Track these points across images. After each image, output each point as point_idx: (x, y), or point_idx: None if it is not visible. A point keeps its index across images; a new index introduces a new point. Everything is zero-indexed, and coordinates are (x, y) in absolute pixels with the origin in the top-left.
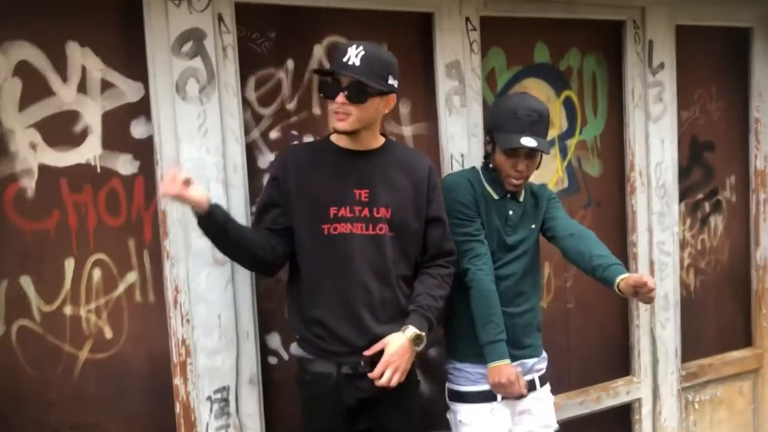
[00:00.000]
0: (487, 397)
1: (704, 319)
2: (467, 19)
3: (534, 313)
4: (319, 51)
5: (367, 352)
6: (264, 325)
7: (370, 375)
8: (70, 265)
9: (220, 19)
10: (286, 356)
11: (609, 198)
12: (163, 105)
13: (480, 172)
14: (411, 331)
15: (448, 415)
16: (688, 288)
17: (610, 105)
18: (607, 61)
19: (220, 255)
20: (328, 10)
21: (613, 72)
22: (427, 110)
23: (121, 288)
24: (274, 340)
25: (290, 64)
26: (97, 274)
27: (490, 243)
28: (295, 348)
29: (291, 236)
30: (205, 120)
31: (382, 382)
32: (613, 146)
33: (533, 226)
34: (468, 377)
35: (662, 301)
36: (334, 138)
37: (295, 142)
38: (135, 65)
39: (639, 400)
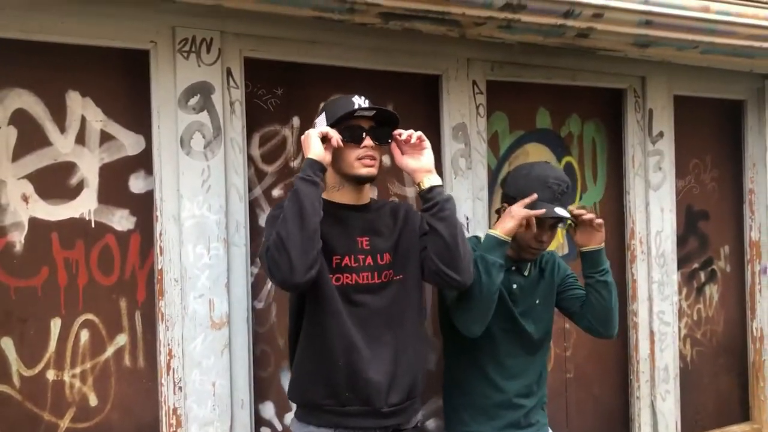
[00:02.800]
0: None
1: (702, 391)
2: (474, 83)
3: (540, 388)
4: None
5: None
6: (258, 394)
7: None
8: (56, 325)
9: (229, 73)
10: (280, 427)
11: (609, 265)
12: (166, 159)
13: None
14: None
15: None
16: (685, 359)
17: (609, 172)
18: (606, 128)
19: (218, 318)
20: (336, 68)
21: (612, 139)
22: None
23: (110, 351)
24: (268, 410)
25: (296, 121)
26: (84, 335)
27: (495, 315)
28: (296, 427)
29: None
30: (210, 176)
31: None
32: (613, 213)
33: (537, 301)
34: None
35: (662, 372)
36: (324, 196)
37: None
38: (137, 117)
39: None
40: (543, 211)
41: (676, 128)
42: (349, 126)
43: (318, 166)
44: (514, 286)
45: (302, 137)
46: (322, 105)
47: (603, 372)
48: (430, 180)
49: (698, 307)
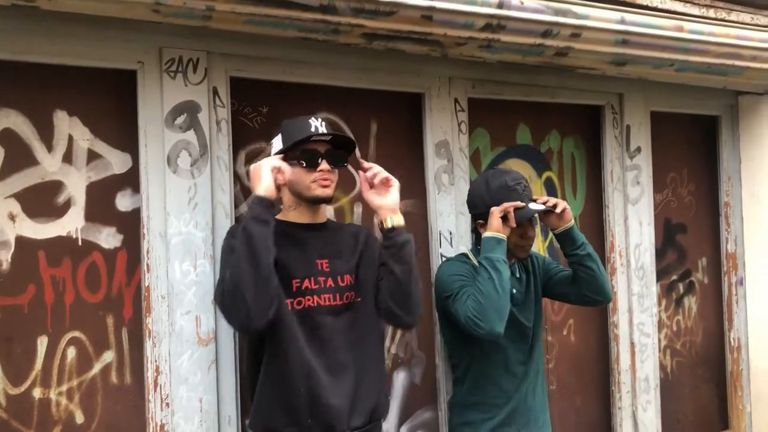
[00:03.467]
0: None
1: (682, 401)
2: (456, 101)
3: (544, 390)
4: None
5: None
6: (245, 410)
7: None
8: (42, 343)
9: (215, 92)
10: None
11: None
12: (153, 177)
13: (471, 256)
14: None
15: None
16: (665, 369)
17: (588, 186)
18: (585, 144)
19: (204, 334)
20: (320, 87)
21: (590, 154)
22: (414, 187)
23: (97, 368)
24: None
25: None
26: (71, 353)
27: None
28: None
29: None
30: (196, 194)
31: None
32: (593, 227)
33: (531, 297)
34: None
35: (643, 383)
36: (279, 217)
37: (235, 225)
38: (124, 136)
39: None
40: (521, 204)
41: (654, 143)
42: (305, 150)
43: (267, 203)
44: (514, 291)
45: (251, 167)
46: (278, 128)
47: (585, 383)
48: (393, 220)
49: (677, 318)
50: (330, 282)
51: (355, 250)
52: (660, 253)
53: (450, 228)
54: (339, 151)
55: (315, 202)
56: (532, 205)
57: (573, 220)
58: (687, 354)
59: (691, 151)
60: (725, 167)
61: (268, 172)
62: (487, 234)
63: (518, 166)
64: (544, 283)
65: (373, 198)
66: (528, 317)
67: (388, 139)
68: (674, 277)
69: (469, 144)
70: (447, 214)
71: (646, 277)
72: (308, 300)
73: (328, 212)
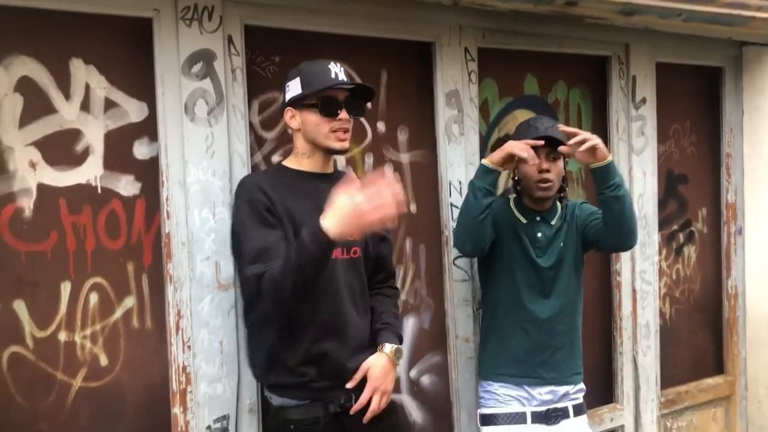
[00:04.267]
0: (516, 419)
1: (679, 346)
2: (466, 50)
3: (572, 338)
4: None
5: (349, 384)
6: None
7: (355, 407)
8: (66, 288)
9: (230, 41)
10: None
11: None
12: (171, 126)
13: (511, 201)
14: (389, 347)
15: None
16: (664, 316)
17: None
18: (591, 95)
19: (224, 280)
20: (331, 36)
21: (596, 105)
22: (424, 138)
23: (119, 313)
24: None
25: None
26: (93, 298)
27: (519, 268)
28: (275, 399)
29: None
30: (213, 142)
31: (373, 407)
32: None
33: (562, 245)
34: (497, 398)
35: (644, 329)
36: (290, 164)
37: (247, 174)
38: (140, 85)
39: (622, 427)
40: (526, 144)
41: (658, 95)
42: (324, 97)
43: (329, 247)
44: (539, 234)
45: (344, 207)
46: (295, 69)
47: (588, 329)
48: (387, 350)
49: (677, 267)
50: None
51: None
52: (661, 203)
53: (460, 178)
54: (358, 101)
55: (330, 153)
56: (543, 133)
57: (609, 158)
58: (685, 301)
59: (694, 103)
60: (728, 119)
61: (361, 217)
62: (482, 162)
63: (525, 117)
64: (582, 232)
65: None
66: (546, 261)
67: (398, 89)
68: (675, 227)
69: (478, 94)
70: (457, 164)
71: (649, 227)
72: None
73: (339, 162)
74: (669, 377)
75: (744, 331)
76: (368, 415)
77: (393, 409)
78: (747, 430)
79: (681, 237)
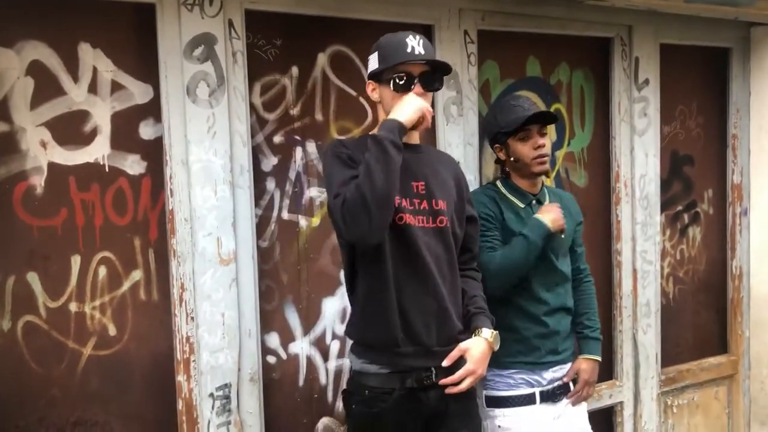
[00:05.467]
0: (528, 400)
1: (682, 326)
2: (465, 32)
3: (568, 320)
4: (322, 59)
5: (446, 362)
6: (263, 325)
7: (447, 380)
8: (76, 262)
9: (231, 25)
10: (284, 355)
11: (595, 208)
12: (174, 107)
13: (500, 185)
14: (488, 332)
15: (484, 423)
16: (667, 296)
17: (596, 119)
18: (594, 77)
19: (225, 255)
20: (333, 19)
21: (599, 87)
22: None
23: (126, 286)
24: (273, 340)
25: (294, 70)
26: (102, 271)
27: None
28: (353, 360)
29: None
30: (214, 123)
31: (461, 387)
32: (599, 158)
33: (562, 236)
34: (509, 382)
35: (644, 308)
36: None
37: (338, 138)
38: (145, 68)
39: (621, 403)
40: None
41: (663, 76)
42: (399, 71)
43: (405, 133)
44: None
45: (407, 96)
46: (376, 43)
47: None
48: (485, 335)
49: (681, 247)
50: (425, 204)
51: (450, 178)
52: (666, 184)
53: (458, 158)
54: (434, 74)
55: (411, 128)
56: (531, 110)
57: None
58: (689, 281)
59: (701, 84)
60: (734, 100)
61: (418, 109)
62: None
63: None
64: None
65: None
66: (551, 246)
67: None
68: (679, 208)
69: (478, 76)
70: (456, 145)
71: (650, 207)
72: (408, 218)
73: None
74: (672, 356)
75: (748, 312)
76: (453, 389)
77: (472, 394)
78: (749, 408)
79: (686, 217)
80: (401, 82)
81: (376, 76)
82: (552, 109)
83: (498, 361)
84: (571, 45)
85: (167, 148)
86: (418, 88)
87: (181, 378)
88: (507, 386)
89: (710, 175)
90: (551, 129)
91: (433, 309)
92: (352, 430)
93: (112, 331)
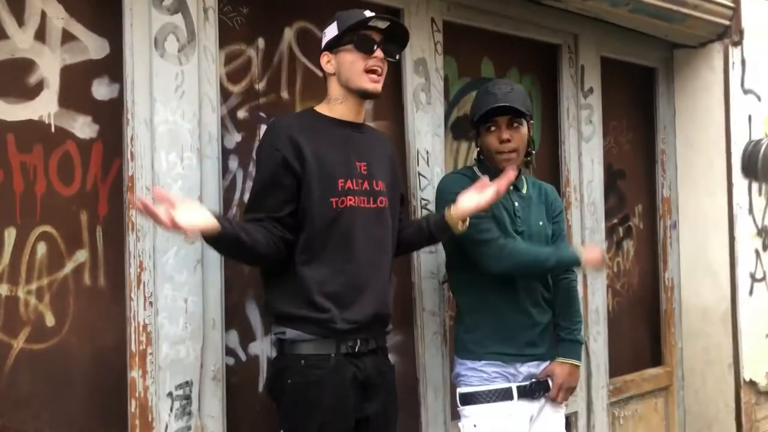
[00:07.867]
0: (504, 395)
1: (621, 339)
2: (433, 20)
3: (550, 315)
4: (289, 34)
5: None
6: (227, 315)
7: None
8: (10, 235)
9: None
10: (244, 357)
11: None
12: (139, 60)
13: (477, 169)
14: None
15: (459, 424)
16: (607, 308)
17: (544, 124)
18: (540, 83)
19: None
20: None
21: (546, 93)
22: (390, 107)
23: (69, 267)
24: (233, 339)
25: (261, 42)
26: (41, 249)
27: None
28: (289, 332)
29: (292, 221)
30: (183, 81)
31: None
32: (548, 163)
33: (541, 223)
34: (482, 376)
35: (594, 315)
36: (322, 110)
37: (278, 116)
38: (102, 19)
39: (576, 413)
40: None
41: (602, 88)
42: (360, 35)
43: (210, 241)
44: (516, 203)
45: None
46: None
47: None
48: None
49: (617, 260)
50: (366, 185)
51: (386, 160)
52: (603, 198)
53: (427, 147)
54: (393, 44)
55: (363, 96)
56: (499, 103)
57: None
58: (626, 294)
59: (632, 100)
60: (661, 117)
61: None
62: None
63: None
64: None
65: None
66: (527, 233)
67: None
68: (615, 221)
69: (443, 66)
70: (424, 133)
71: (597, 213)
72: (350, 200)
73: None
74: (614, 367)
75: (680, 323)
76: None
77: (393, 368)
78: (684, 419)
79: (621, 231)
80: (364, 42)
81: (332, 45)
82: None
83: (468, 352)
84: (522, 50)
85: (129, 105)
86: (379, 51)
87: (135, 374)
88: (480, 380)
89: (641, 190)
90: None
91: (374, 289)
92: (288, 410)
93: (49, 320)
